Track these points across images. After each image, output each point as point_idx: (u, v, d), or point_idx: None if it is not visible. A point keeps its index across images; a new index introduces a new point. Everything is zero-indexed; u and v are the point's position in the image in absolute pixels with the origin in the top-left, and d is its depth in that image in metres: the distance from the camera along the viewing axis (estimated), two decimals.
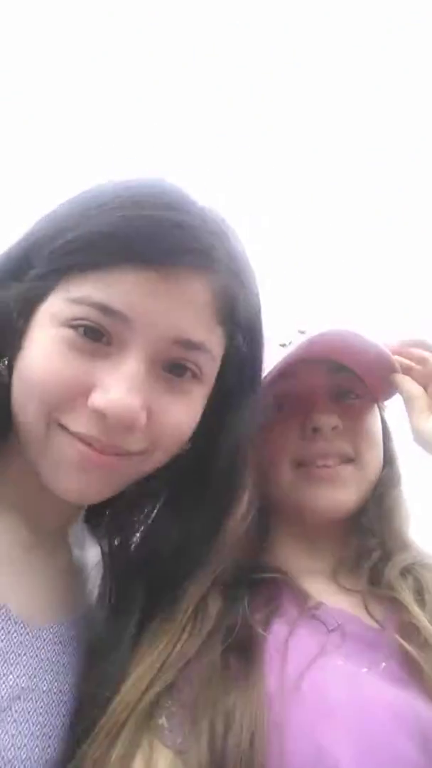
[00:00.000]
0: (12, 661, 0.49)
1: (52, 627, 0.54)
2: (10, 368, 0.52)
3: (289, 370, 0.64)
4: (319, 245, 1.53)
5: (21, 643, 0.50)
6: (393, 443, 0.76)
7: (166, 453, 0.55)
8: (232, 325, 0.55)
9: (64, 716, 0.52)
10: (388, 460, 0.73)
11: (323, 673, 0.52)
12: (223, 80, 1.50)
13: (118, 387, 0.47)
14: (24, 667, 0.50)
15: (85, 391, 0.48)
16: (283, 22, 1.46)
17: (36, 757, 0.48)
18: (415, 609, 0.58)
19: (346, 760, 0.45)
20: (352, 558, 0.69)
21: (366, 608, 0.61)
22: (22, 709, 0.48)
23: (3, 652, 0.48)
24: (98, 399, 0.47)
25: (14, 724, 0.47)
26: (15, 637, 0.50)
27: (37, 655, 0.51)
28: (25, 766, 0.47)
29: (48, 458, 0.50)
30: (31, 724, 0.49)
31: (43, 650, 0.52)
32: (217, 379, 0.57)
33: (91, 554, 0.66)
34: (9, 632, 0.49)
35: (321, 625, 0.58)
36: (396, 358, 0.68)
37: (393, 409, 0.76)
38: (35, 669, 0.51)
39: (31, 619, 0.52)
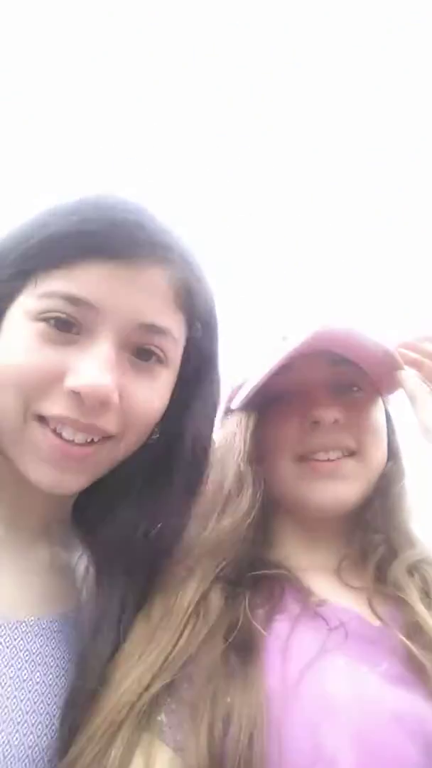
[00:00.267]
0: None
1: (32, 620, 0.55)
2: None
3: (289, 363, 0.63)
4: (319, 245, 1.53)
5: None
6: (397, 437, 0.75)
7: (138, 436, 0.58)
8: (190, 313, 0.60)
9: (52, 707, 0.52)
10: (392, 454, 0.72)
11: (324, 672, 0.52)
12: (223, 80, 1.50)
13: (90, 368, 0.51)
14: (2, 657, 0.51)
15: (60, 376, 0.52)
16: (283, 22, 1.46)
17: (27, 745, 0.49)
18: (421, 609, 0.58)
19: (346, 760, 0.45)
20: (357, 554, 0.68)
21: (370, 606, 0.60)
22: (2, 696, 0.49)
23: None
24: (72, 381, 0.51)
25: None
26: None
27: (15, 646, 0.52)
28: (8, 752, 0.47)
29: (24, 450, 0.54)
30: (11, 712, 0.49)
31: (22, 641, 0.53)
32: (180, 368, 0.61)
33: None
34: None
35: (323, 622, 0.57)
36: (404, 352, 0.67)
37: (397, 402, 0.75)
38: (13, 659, 0.52)
39: (8, 611, 0.54)
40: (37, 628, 0.55)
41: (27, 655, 0.53)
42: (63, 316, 0.52)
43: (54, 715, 0.52)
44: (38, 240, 0.54)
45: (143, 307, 0.54)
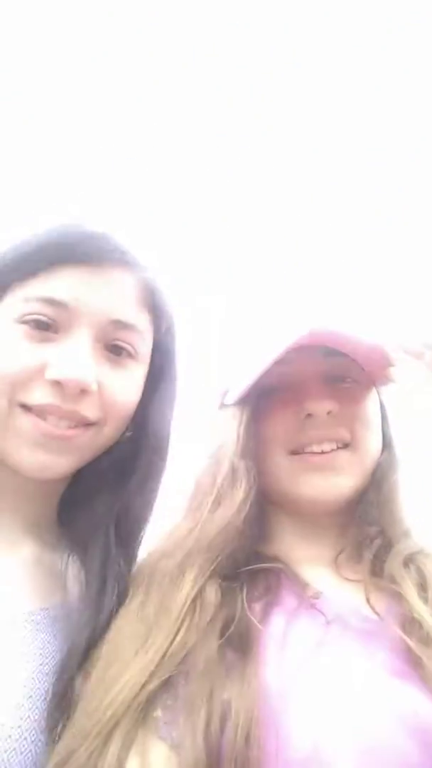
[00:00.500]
0: None
1: (23, 614, 0.57)
2: None
3: (281, 356, 0.63)
4: (319, 245, 1.53)
5: None
6: (390, 428, 0.74)
7: (117, 424, 0.64)
8: (155, 314, 0.67)
9: (38, 702, 0.53)
10: (386, 444, 0.72)
11: (321, 667, 0.52)
12: (223, 80, 1.50)
13: (69, 359, 0.57)
14: None
15: (41, 370, 0.57)
16: (283, 22, 1.46)
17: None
18: (418, 603, 0.57)
19: (344, 757, 0.45)
20: (353, 547, 0.67)
21: (367, 600, 0.60)
22: None
23: None
24: (52, 371, 0.57)
25: None
26: None
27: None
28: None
29: (9, 436, 0.58)
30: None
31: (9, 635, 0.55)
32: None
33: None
34: None
35: (320, 616, 0.57)
36: (406, 345, 0.65)
37: (390, 393, 0.74)
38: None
39: None
40: (22, 621, 0.56)
41: (13, 647, 0.54)
42: (42, 318, 0.58)
43: (40, 709, 0.52)
44: (13, 256, 0.61)
45: (114, 305, 0.61)
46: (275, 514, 0.71)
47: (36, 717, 0.51)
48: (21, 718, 0.50)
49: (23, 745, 0.49)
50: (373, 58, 1.48)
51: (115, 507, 0.68)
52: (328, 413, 0.65)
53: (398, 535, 0.67)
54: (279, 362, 0.64)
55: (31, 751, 0.50)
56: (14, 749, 0.49)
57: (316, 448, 0.65)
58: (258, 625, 0.55)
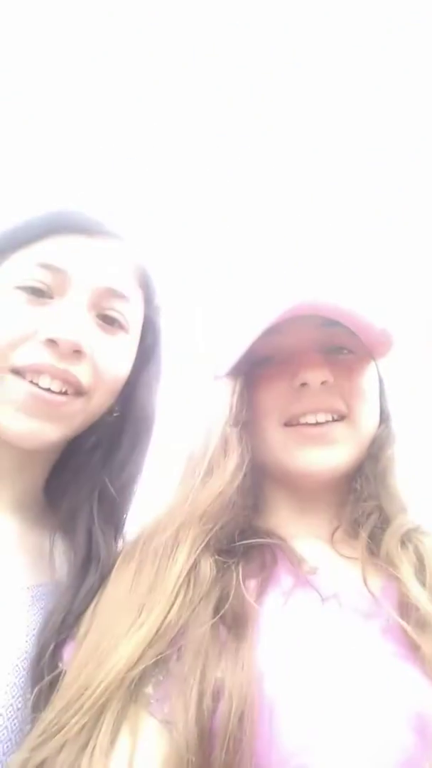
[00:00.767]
0: None
1: (10, 591, 0.58)
2: None
3: (276, 326, 0.61)
4: (319, 245, 1.53)
5: None
6: (388, 402, 0.72)
7: (107, 394, 0.64)
8: (147, 292, 0.69)
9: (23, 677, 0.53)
10: (384, 418, 0.70)
11: (317, 647, 0.50)
12: (223, 80, 1.50)
13: (64, 319, 0.58)
14: None
15: (35, 331, 0.58)
16: (283, 22, 1.46)
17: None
18: (414, 585, 0.55)
19: (342, 738, 0.44)
20: (349, 522, 0.66)
21: (364, 580, 0.58)
22: None
23: None
24: (47, 331, 0.58)
25: None
26: None
27: None
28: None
29: (0, 402, 0.58)
30: None
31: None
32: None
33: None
34: None
35: (316, 594, 0.55)
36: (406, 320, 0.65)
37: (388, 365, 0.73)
38: None
39: None
40: (11, 599, 0.57)
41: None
42: (38, 284, 0.60)
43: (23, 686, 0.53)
44: (13, 229, 0.63)
45: (108, 273, 0.63)
46: (270, 487, 0.69)
47: (24, 695, 0.52)
48: (13, 697, 0.51)
49: (14, 724, 0.50)
50: (373, 58, 1.48)
51: (100, 483, 0.68)
52: (323, 383, 0.63)
53: (395, 511, 0.65)
54: (275, 332, 0.62)
55: (21, 730, 0.50)
56: (5, 727, 0.50)
57: (310, 419, 0.63)
58: (253, 603, 0.53)
